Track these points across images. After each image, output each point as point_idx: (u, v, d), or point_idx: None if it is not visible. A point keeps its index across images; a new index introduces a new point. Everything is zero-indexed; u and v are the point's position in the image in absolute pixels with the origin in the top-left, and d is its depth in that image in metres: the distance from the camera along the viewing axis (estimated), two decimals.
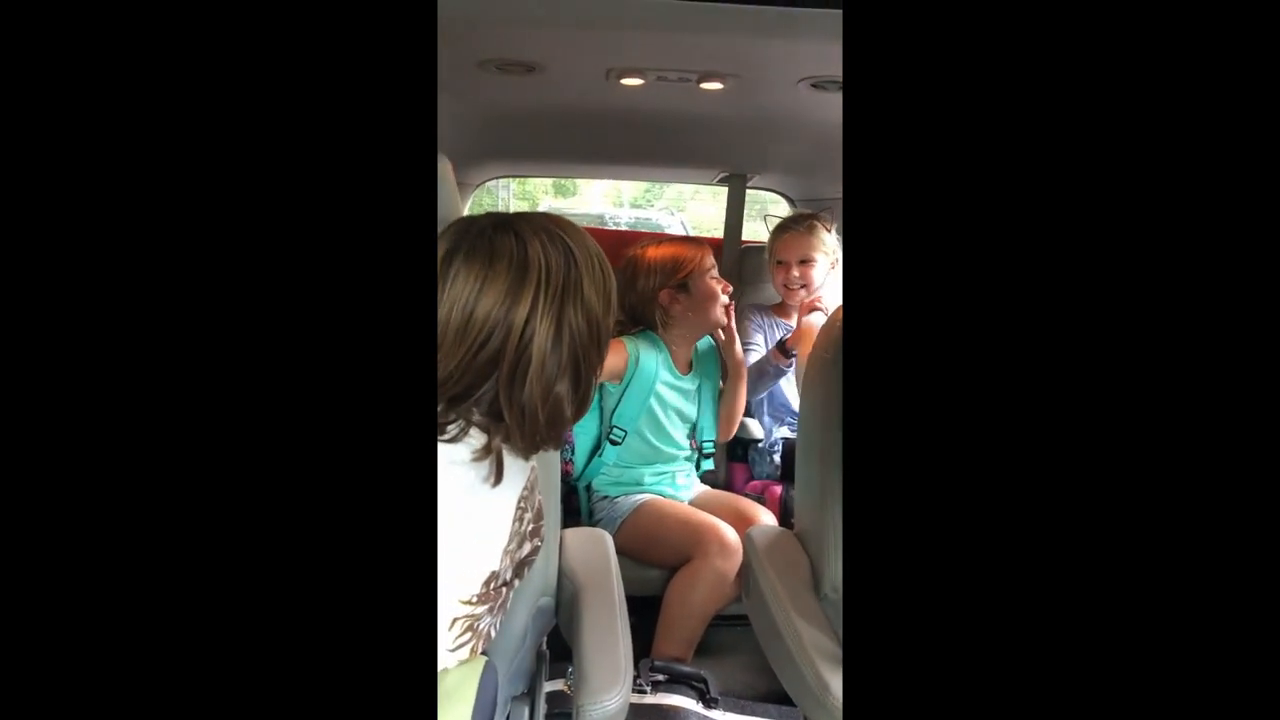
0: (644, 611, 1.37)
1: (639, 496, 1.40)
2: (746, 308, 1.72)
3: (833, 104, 1.30)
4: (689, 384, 1.46)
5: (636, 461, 1.44)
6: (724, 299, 1.42)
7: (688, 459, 1.49)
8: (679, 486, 1.47)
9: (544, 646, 0.90)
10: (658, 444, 1.44)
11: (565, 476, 1.43)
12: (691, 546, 1.30)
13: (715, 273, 1.43)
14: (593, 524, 1.40)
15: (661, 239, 1.50)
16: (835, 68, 1.15)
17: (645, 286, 1.39)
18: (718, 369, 1.53)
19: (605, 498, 1.42)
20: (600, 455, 1.42)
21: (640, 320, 1.42)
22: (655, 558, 1.34)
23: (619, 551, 1.34)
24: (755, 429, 1.64)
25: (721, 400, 1.51)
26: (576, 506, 1.45)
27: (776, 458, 1.60)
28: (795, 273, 1.56)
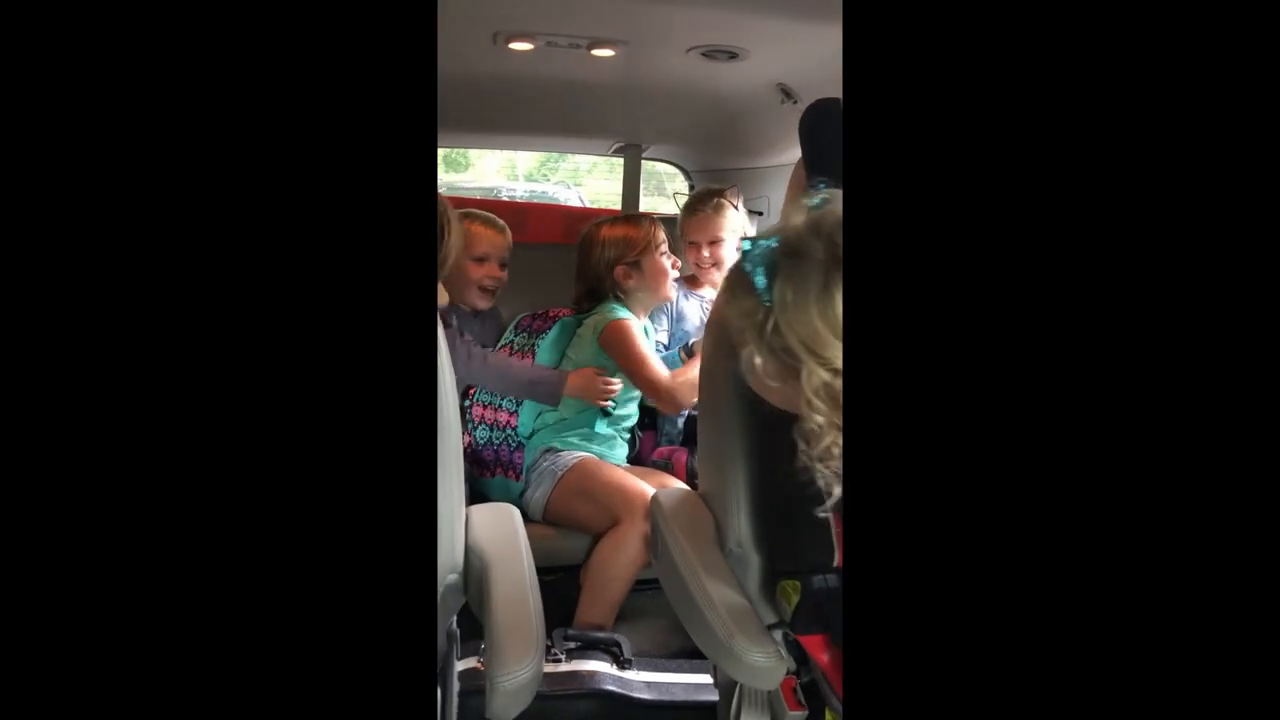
0: (565, 581, 1.38)
1: (580, 453, 1.41)
2: None
3: (724, 74, 1.32)
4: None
5: (587, 422, 1.46)
6: (674, 274, 1.51)
7: (628, 426, 1.53)
8: (617, 449, 1.50)
9: (454, 625, 0.88)
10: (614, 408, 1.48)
11: (507, 427, 1.45)
12: (620, 509, 1.31)
13: (666, 249, 1.49)
14: (532, 475, 1.41)
15: (615, 217, 1.56)
16: (725, 37, 1.16)
17: (600, 262, 1.46)
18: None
19: (551, 449, 1.43)
20: (553, 411, 1.45)
21: (597, 295, 1.48)
22: (584, 516, 1.36)
23: (552, 508, 1.37)
24: None
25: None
26: (520, 466, 1.44)
27: (680, 423, 1.63)
28: (706, 253, 1.62)
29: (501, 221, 1.52)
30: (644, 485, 1.36)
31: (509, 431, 1.45)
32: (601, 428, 1.47)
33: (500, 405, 1.48)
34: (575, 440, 1.45)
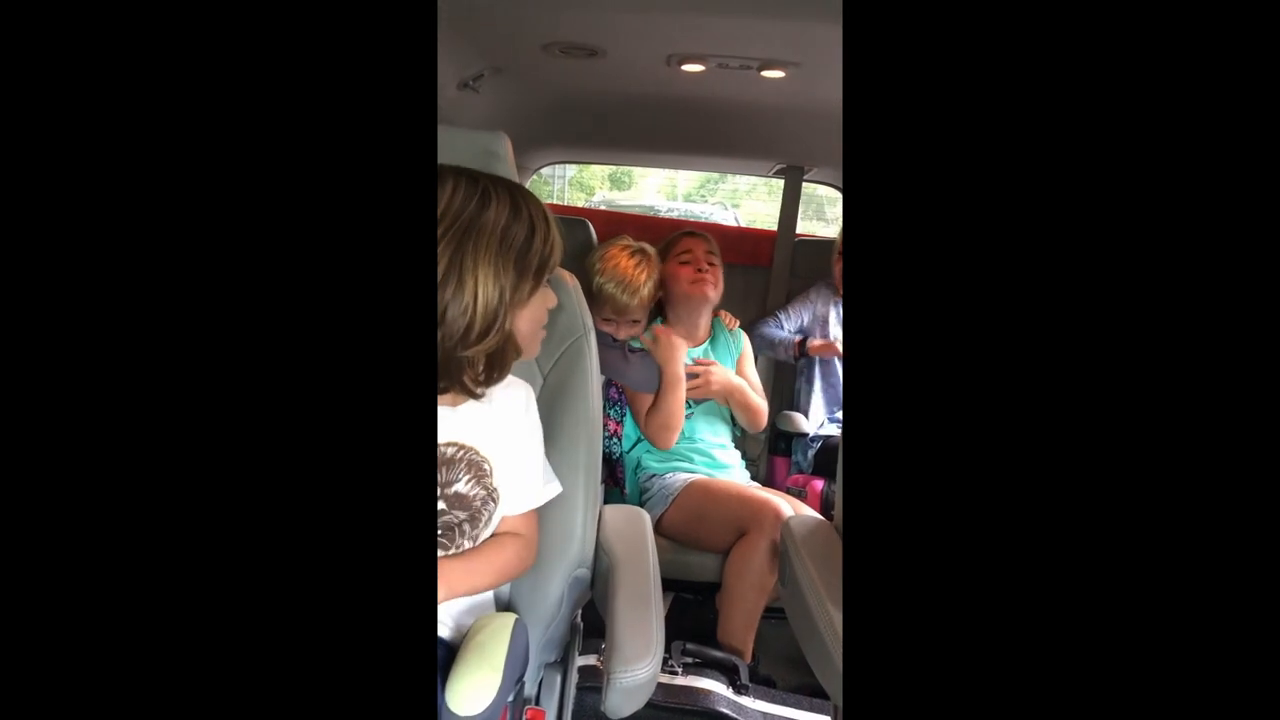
0: (693, 598, 1.37)
1: (690, 475, 1.41)
2: (820, 283, 1.75)
3: None
4: (699, 354, 1.48)
5: (680, 438, 1.46)
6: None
7: (726, 434, 1.51)
8: (723, 465, 1.47)
9: (579, 619, 0.91)
10: (694, 419, 1.47)
11: (613, 437, 1.45)
12: (747, 519, 1.27)
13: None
14: (642, 501, 1.41)
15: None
16: None
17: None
18: (732, 342, 1.54)
19: (654, 475, 1.43)
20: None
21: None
22: (706, 535, 1.33)
23: (668, 530, 1.37)
24: (801, 422, 1.63)
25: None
26: (622, 478, 1.46)
27: (810, 453, 1.59)
28: None
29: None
30: (767, 494, 1.33)
31: (613, 441, 1.46)
32: (695, 450, 1.46)
33: (608, 413, 1.48)
34: (676, 463, 1.44)
